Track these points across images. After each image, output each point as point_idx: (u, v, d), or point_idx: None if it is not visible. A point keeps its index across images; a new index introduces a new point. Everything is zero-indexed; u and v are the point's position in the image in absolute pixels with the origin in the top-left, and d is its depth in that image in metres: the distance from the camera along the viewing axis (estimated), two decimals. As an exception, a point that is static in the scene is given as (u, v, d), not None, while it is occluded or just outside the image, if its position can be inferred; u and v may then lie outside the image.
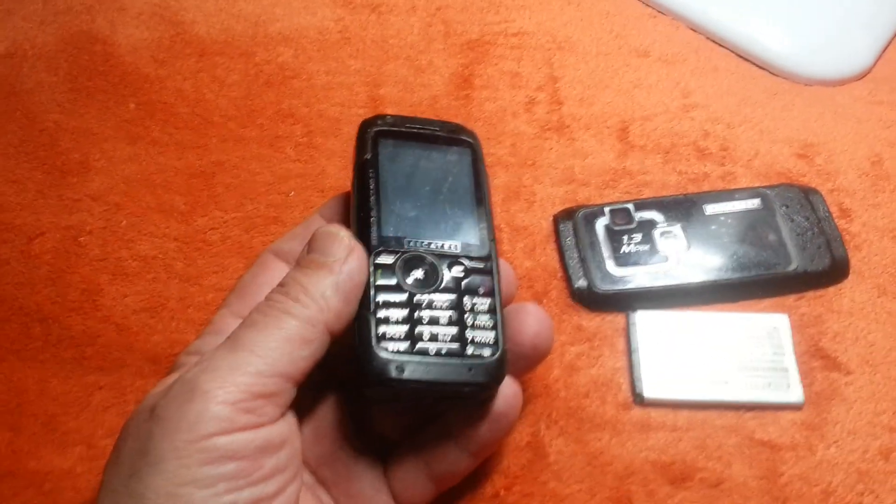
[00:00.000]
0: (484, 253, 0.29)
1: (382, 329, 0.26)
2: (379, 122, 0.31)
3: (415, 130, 0.31)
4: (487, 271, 0.29)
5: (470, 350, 0.27)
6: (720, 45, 0.47)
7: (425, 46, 0.47)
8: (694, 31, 0.48)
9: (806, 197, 0.40)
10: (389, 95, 0.45)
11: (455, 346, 0.27)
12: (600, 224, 0.40)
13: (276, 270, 0.31)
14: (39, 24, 0.48)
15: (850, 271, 0.39)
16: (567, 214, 0.40)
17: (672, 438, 0.34)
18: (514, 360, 0.28)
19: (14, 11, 0.48)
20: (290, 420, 0.27)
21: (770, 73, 0.46)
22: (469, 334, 0.27)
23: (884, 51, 0.48)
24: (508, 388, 0.29)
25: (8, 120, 0.44)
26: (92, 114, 0.44)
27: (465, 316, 0.27)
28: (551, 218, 0.41)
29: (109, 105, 0.44)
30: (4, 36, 0.47)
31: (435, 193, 0.30)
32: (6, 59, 0.46)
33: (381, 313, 0.27)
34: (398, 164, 0.30)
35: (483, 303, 0.28)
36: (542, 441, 0.34)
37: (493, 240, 0.30)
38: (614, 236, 0.39)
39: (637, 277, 0.38)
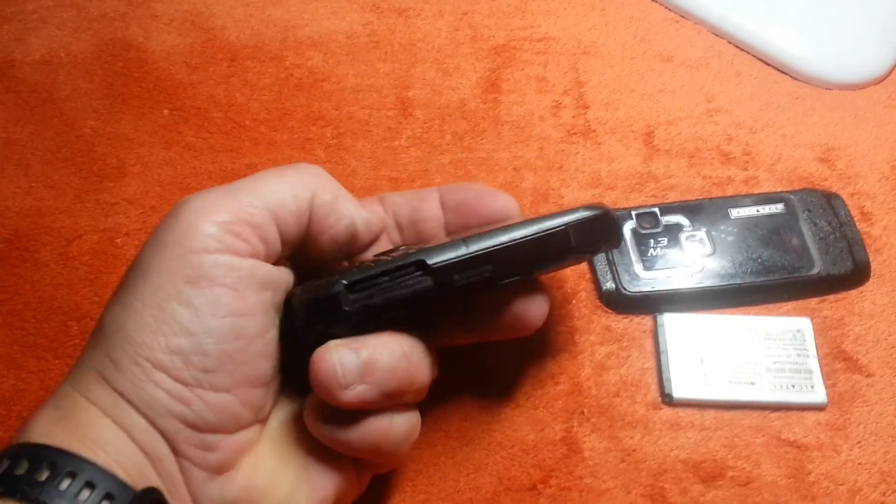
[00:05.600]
0: None
1: None
2: None
3: None
4: None
5: None
6: (742, 50, 0.48)
7: (453, 50, 0.48)
8: (716, 35, 0.49)
9: (828, 201, 0.41)
10: (418, 98, 0.46)
11: None
12: (627, 228, 0.41)
13: None
14: (74, 31, 0.48)
15: (872, 274, 0.40)
16: (595, 218, 0.41)
17: (701, 438, 0.35)
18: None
19: (48, 20, 0.49)
20: (274, 285, 0.27)
21: (791, 77, 0.47)
22: None
23: (902, 54, 0.48)
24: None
25: (46, 127, 0.45)
26: (127, 119, 0.45)
27: None
28: (579, 221, 0.42)
29: (144, 111, 0.45)
30: (40, 44, 0.48)
31: None
32: (42, 67, 0.47)
33: None
34: None
35: None
36: (575, 437, 0.35)
37: None
38: (641, 240, 0.40)
39: (664, 280, 0.39)
